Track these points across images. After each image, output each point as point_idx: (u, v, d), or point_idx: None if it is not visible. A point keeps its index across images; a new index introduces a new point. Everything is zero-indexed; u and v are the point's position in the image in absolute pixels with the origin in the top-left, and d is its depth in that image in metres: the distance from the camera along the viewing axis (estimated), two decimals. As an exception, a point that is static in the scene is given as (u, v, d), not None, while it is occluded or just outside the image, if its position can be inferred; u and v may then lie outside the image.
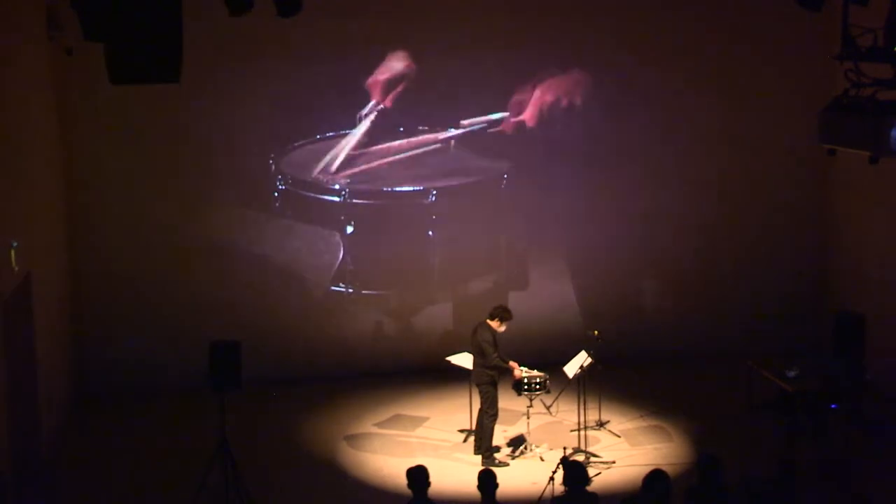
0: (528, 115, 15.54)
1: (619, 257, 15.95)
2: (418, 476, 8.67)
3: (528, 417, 12.68)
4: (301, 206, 15.32)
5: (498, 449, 12.69)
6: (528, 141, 15.56)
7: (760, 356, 13.94)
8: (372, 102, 15.17)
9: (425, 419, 13.91)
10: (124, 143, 14.77)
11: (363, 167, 15.31)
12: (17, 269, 10.98)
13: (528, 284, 15.57)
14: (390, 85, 15.19)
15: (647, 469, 8.69)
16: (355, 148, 15.24)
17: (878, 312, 13.96)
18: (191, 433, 13.30)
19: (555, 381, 12.95)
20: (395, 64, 15.16)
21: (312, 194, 15.35)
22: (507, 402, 13.13)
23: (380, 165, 15.34)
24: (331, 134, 15.23)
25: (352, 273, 15.50)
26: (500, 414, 12.62)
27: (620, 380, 14.27)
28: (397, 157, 15.36)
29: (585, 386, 12.71)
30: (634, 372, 14.99)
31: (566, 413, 13.46)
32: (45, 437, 12.21)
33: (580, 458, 11.94)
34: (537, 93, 15.48)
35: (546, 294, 15.73)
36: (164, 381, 14.76)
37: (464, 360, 13.11)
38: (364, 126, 15.14)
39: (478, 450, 12.58)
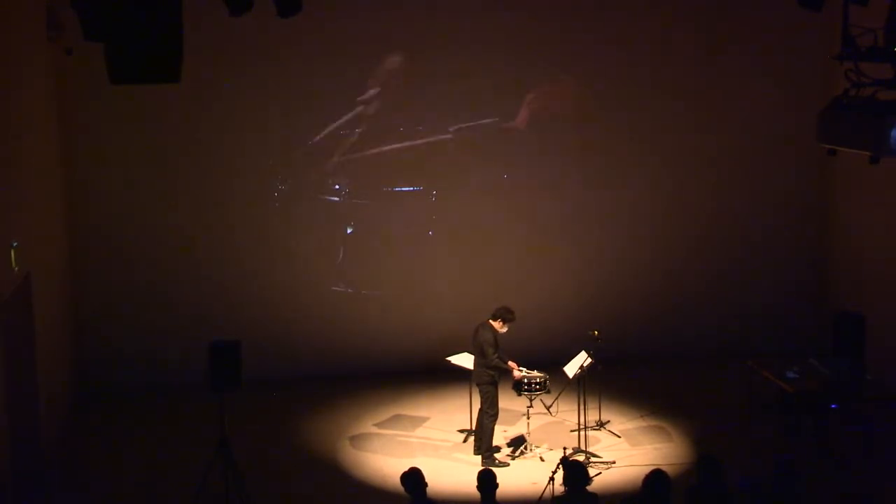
0: (525, 115, 15.54)
1: (619, 257, 15.96)
2: (414, 478, 8.66)
3: (528, 417, 12.68)
4: (301, 206, 15.32)
5: (498, 449, 12.69)
6: (527, 141, 15.56)
7: (760, 356, 13.94)
8: (369, 93, 15.17)
9: (425, 419, 13.91)
10: (124, 143, 14.78)
11: (363, 167, 15.33)
12: (17, 269, 10.98)
13: (528, 284, 15.56)
14: (389, 84, 15.19)
15: (647, 469, 8.69)
16: (355, 148, 15.25)
17: (878, 312, 13.96)
18: (191, 433, 13.31)
19: (555, 381, 12.96)
20: (395, 63, 15.16)
21: (313, 194, 15.35)
22: (507, 402, 13.13)
23: (379, 166, 15.35)
24: (331, 130, 15.22)
25: (352, 273, 15.50)
26: (500, 414, 12.62)
27: (620, 380, 14.28)
28: (397, 157, 15.37)
29: (585, 386, 12.72)
30: (635, 372, 15.00)
31: (566, 413, 13.46)
32: (45, 437, 12.21)
33: (580, 458, 11.94)
34: (537, 93, 15.49)
35: (546, 294, 15.72)
36: (165, 381, 14.75)
37: (464, 360, 13.11)
38: (356, 111, 15.12)
39: (478, 450, 12.58)
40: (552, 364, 13.16)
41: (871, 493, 10.98)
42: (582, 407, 12.62)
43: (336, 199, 15.38)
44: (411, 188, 15.48)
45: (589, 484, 9.12)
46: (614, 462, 12.36)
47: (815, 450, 12.46)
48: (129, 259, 14.96)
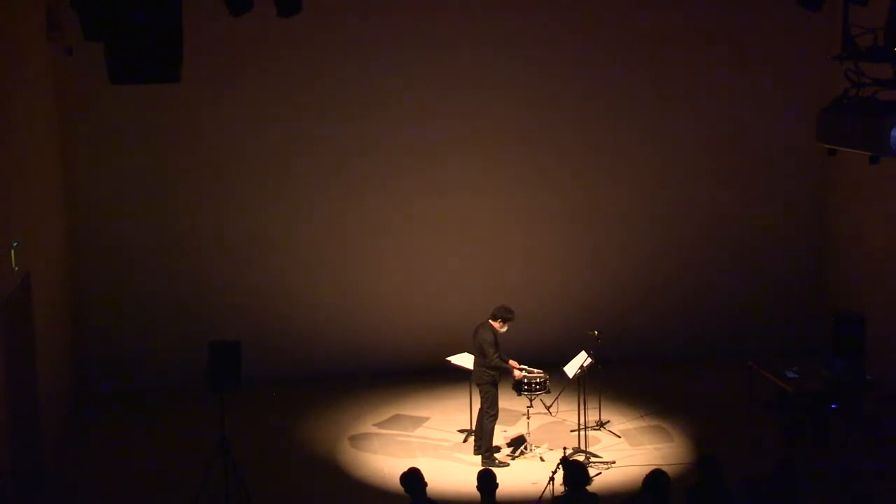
0: (526, 114, 15.53)
1: (620, 257, 15.95)
2: (413, 478, 8.66)
3: (528, 417, 12.68)
4: (301, 205, 15.31)
5: (498, 449, 12.69)
6: (527, 141, 15.56)
7: (760, 356, 13.94)
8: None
9: (425, 419, 13.91)
10: (124, 143, 14.78)
11: (362, 167, 15.32)
12: (17, 269, 10.98)
13: (528, 284, 15.56)
14: (389, 83, 15.20)
15: (647, 469, 8.71)
16: (355, 148, 15.25)
17: (878, 312, 13.96)
18: (191, 433, 13.30)
19: (555, 381, 12.96)
20: (394, 61, 15.17)
21: (313, 194, 15.33)
22: (507, 402, 13.13)
23: (379, 166, 15.35)
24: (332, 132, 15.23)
25: (352, 273, 15.49)
26: (500, 414, 12.62)
27: (620, 380, 14.28)
28: (397, 157, 15.37)
29: (585, 386, 12.72)
30: (634, 372, 15.00)
31: (566, 413, 13.47)
32: (45, 437, 12.21)
33: (580, 458, 11.94)
34: (536, 91, 15.49)
35: (546, 294, 15.72)
36: (165, 381, 14.75)
37: (464, 360, 13.11)
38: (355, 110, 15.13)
39: (478, 450, 12.58)
40: (552, 364, 13.16)
41: (872, 492, 10.98)
42: (582, 407, 12.62)
43: (337, 199, 15.35)
44: (413, 189, 15.45)
45: (589, 484, 9.13)
46: (614, 462, 12.36)
47: (815, 450, 12.46)
48: (128, 259, 14.95)
